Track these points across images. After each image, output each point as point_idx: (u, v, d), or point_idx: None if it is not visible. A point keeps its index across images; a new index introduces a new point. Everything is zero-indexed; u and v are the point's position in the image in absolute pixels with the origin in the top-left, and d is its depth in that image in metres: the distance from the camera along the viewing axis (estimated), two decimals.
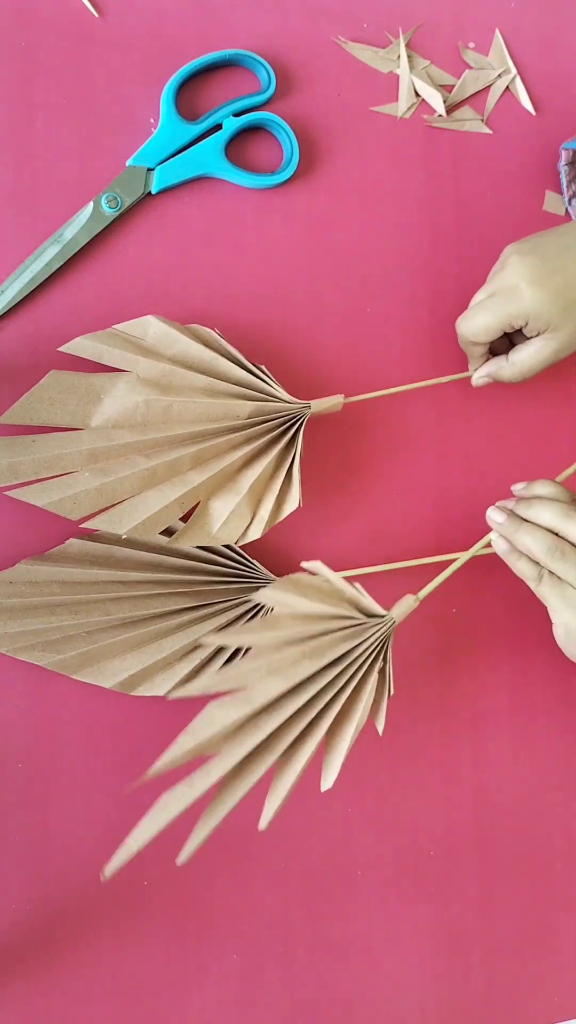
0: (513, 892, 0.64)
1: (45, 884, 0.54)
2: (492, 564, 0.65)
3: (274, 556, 0.59)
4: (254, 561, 0.56)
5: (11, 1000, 0.52)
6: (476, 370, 0.61)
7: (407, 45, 0.64)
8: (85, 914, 0.54)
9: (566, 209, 0.67)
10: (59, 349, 0.54)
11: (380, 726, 0.53)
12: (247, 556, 0.56)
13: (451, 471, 0.65)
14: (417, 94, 0.64)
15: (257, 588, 0.56)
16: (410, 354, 0.64)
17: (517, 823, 0.65)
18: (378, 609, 0.51)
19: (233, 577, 0.56)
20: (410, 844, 0.61)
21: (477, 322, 0.57)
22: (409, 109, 0.64)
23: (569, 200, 0.66)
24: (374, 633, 0.51)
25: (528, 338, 0.58)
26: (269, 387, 0.56)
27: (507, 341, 0.61)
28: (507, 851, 0.64)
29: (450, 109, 0.65)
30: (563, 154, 0.65)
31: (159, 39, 0.59)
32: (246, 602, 0.56)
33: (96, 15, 0.57)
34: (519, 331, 0.58)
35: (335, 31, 0.63)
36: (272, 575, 0.57)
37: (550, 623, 0.55)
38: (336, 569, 0.54)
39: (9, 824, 0.53)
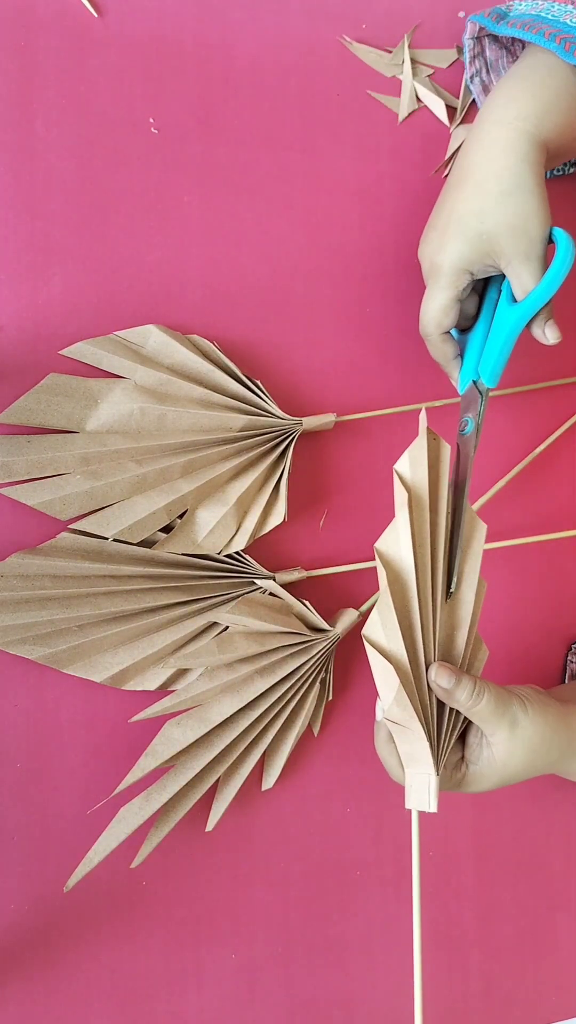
0: (511, 892, 0.64)
1: (44, 884, 0.54)
2: (491, 564, 0.65)
3: (266, 551, 0.59)
4: (246, 556, 0.57)
5: (10, 1000, 0.54)
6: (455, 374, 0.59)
7: (409, 46, 0.64)
8: (84, 914, 0.55)
9: (465, 83, 0.65)
10: (60, 352, 0.55)
11: (316, 729, 0.60)
12: (239, 551, 0.57)
13: None
14: (419, 99, 0.64)
15: (249, 582, 0.57)
16: (407, 363, 0.63)
17: (515, 823, 0.65)
18: (324, 625, 0.57)
19: (225, 572, 0.56)
20: (410, 844, 0.61)
21: (434, 301, 0.55)
22: (410, 114, 0.64)
23: (471, 77, 0.64)
24: (320, 649, 0.56)
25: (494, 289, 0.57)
26: (263, 402, 0.57)
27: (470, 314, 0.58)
28: (506, 851, 0.64)
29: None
30: (468, 27, 0.62)
31: (159, 39, 0.59)
32: (238, 596, 0.56)
33: (96, 15, 0.57)
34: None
35: (335, 31, 0.62)
36: (263, 569, 0.57)
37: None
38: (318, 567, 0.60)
39: (6, 822, 0.54)
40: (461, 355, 0.57)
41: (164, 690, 0.55)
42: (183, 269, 0.58)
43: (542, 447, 0.65)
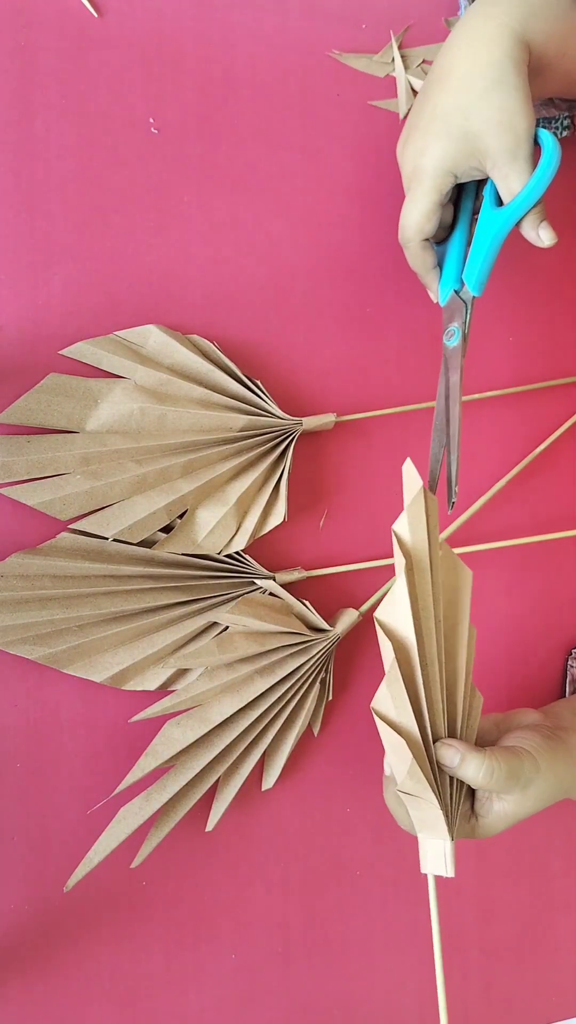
0: (511, 892, 0.64)
1: (44, 884, 0.54)
2: (491, 565, 0.65)
3: (266, 551, 0.59)
4: (246, 556, 0.57)
5: (10, 1000, 0.54)
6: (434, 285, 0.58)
7: (400, 45, 0.64)
8: (84, 914, 0.55)
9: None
10: (60, 352, 0.55)
11: (316, 729, 0.59)
12: (239, 551, 0.57)
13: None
14: (416, 92, 0.64)
15: (249, 582, 0.57)
16: (408, 363, 0.63)
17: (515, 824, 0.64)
18: (324, 625, 0.57)
19: (225, 572, 0.56)
20: (409, 844, 0.61)
21: (417, 205, 0.53)
22: (410, 110, 0.64)
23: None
24: (320, 649, 0.56)
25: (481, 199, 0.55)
26: (263, 402, 0.57)
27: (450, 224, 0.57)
28: (505, 851, 0.64)
29: None
30: None
31: (159, 39, 0.58)
32: (238, 596, 0.56)
33: (96, 15, 0.57)
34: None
35: (334, 31, 0.62)
36: (263, 569, 0.57)
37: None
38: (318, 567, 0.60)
39: (6, 822, 0.54)
40: (440, 266, 0.56)
41: (164, 690, 0.55)
42: (183, 269, 0.58)
43: (542, 447, 0.65)
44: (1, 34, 0.55)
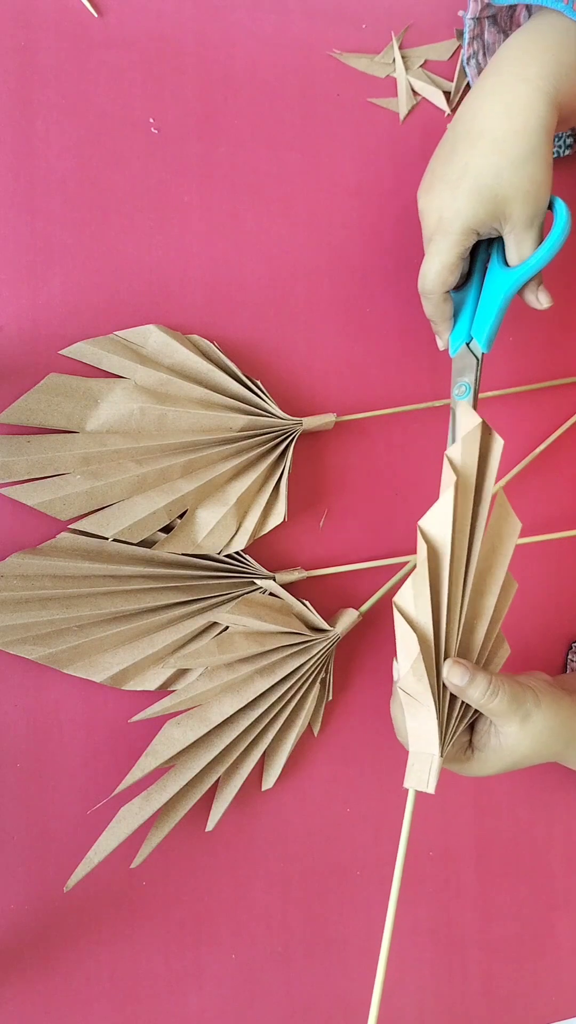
0: (511, 892, 0.64)
1: (44, 884, 0.54)
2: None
3: (266, 551, 0.59)
4: (246, 556, 0.57)
5: (10, 1000, 0.54)
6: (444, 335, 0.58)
7: (400, 46, 0.64)
8: (84, 914, 0.55)
9: (461, 64, 0.64)
10: (60, 352, 0.55)
11: (316, 729, 0.60)
12: (239, 551, 0.57)
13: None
14: (416, 93, 0.64)
15: (249, 582, 0.57)
16: (407, 363, 0.63)
17: (515, 823, 0.65)
18: (324, 625, 0.57)
19: (225, 572, 0.56)
20: (409, 844, 0.61)
21: (440, 258, 0.53)
22: (410, 111, 0.64)
23: (467, 59, 0.63)
24: (320, 649, 0.56)
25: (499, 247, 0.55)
26: (263, 402, 0.57)
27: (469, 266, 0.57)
28: (505, 851, 0.64)
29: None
30: (471, 5, 0.61)
31: (159, 39, 0.58)
32: (238, 596, 0.56)
33: (96, 15, 0.57)
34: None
35: (334, 31, 0.62)
36: (264, 569, 0.57)
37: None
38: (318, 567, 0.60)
39: (6, 822, 0.54)
40: (455, 316, 0.57)
41: (164, 690, 0.55)
42: (183, 269, 0.58)
43: (542, 447, 0.65)
44: (1, 34, 0.55)
